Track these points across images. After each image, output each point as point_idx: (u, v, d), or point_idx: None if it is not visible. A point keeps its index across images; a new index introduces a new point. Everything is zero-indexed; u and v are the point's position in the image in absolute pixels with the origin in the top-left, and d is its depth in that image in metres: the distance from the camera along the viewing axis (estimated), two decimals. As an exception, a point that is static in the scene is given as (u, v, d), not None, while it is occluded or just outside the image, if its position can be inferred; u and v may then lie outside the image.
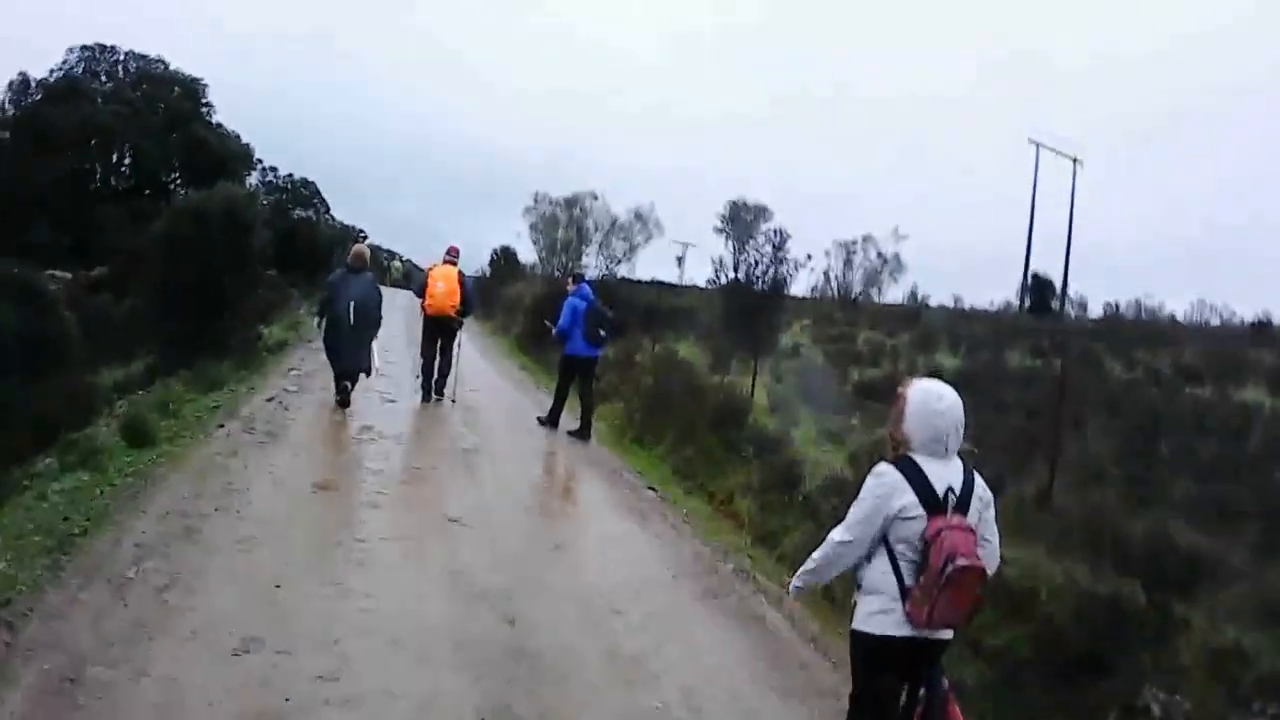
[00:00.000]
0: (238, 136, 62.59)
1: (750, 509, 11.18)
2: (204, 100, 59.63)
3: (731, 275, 28.31)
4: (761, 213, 32.18)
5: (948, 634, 4.52)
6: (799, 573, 4.90)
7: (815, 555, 4.72)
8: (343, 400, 13.96)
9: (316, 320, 15.10)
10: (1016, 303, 55.03)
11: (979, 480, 4.53)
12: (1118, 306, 54.06)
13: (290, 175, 74.32)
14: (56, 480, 9.10)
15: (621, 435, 16.02)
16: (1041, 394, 20.23)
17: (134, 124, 54.76)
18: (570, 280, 15.80)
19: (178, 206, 18.51)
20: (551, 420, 15.17)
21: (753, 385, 19.38)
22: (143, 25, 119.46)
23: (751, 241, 29.10)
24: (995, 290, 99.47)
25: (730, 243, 29.97)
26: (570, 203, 54.22)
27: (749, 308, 25.90)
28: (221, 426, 11.66)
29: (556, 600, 7.46)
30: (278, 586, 6.81)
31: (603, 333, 14.74)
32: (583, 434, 14.77)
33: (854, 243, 50.43)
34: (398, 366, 18.02)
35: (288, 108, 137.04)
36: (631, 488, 12.08)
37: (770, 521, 10.58)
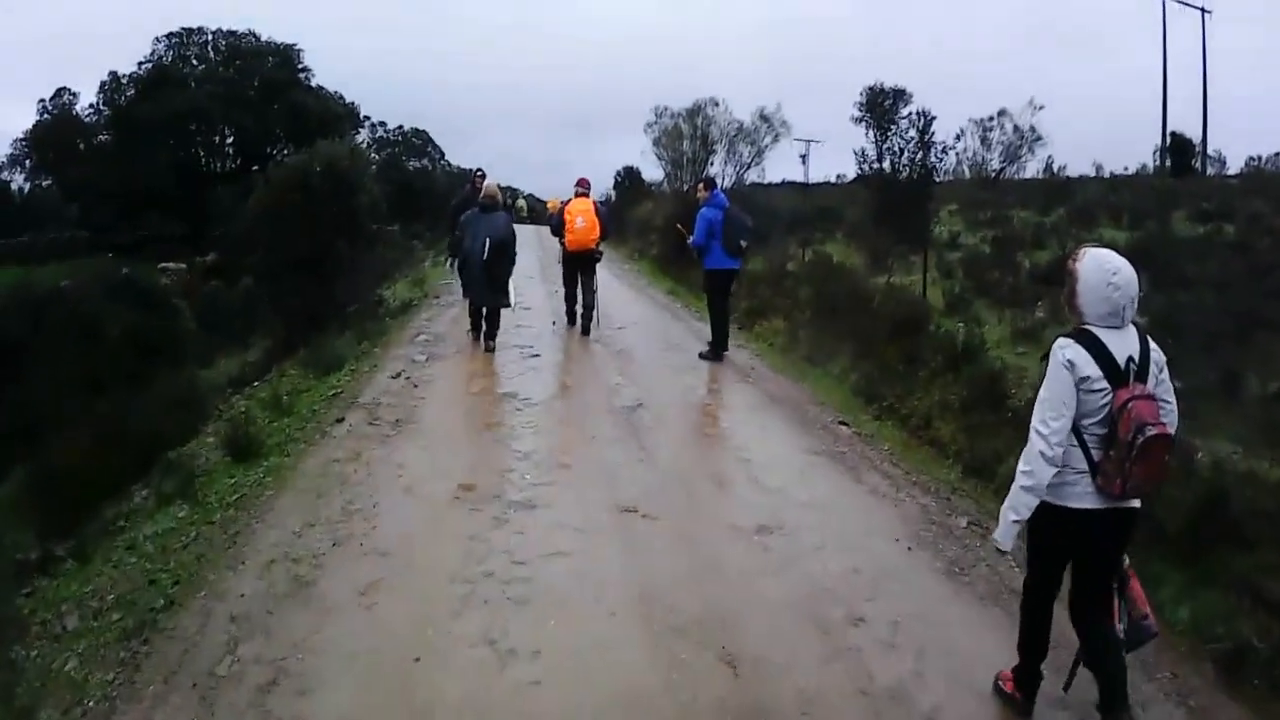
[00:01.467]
0: (341, 97, 62.54)
1: (954, 433, 9.89)
2: (300, 65, 58.90)
3: (876, 166, 26.57)
4: (901, 96, 29.83)
5: (1137, 503, 4.49)
6: (1011, 503, 4.57)
7: (1023, 466, 4.49)
8: (478, 337, 13.97)
9: (449, 261, 15.87)
10: (1154, 164, 51.37)
11: (1153, 345, 4.50)
12: (1260, 160, 51.26)
13: (400, 127, 74.08)
14: (151, 520, 7.96)
15: (788, 354, 14.68)
16: (1220, 264, 18.85)
17: (231, 102, 54.12)
18: (701, 187, 14.16)
19: (274, 175, 16.71)
20: (716, 351, 13.81)
21: (924, 284, 17.38)
22: (239, 5, 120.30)
23: (894, 128, 26.81)
24: (1131, 154, 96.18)
25: (871, 132, 27.66)
26: (692, 112, 51.77)
27: (900, 199, 23.97)
28: (341, 420, 9.89)
29: (778, 618, 5.86)
30: (416, 660, 5.15)
31: (743, 243, 13.53)
32: (715, 354, 13.74)
33: (990, 119, 47.48)
34: (535, 313, 16.73)
35: (393, 60, 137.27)
36: (824, 427, 10.45)
37: (978, 446, 9.26)
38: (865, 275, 20.39)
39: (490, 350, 13.61)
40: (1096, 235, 23.58)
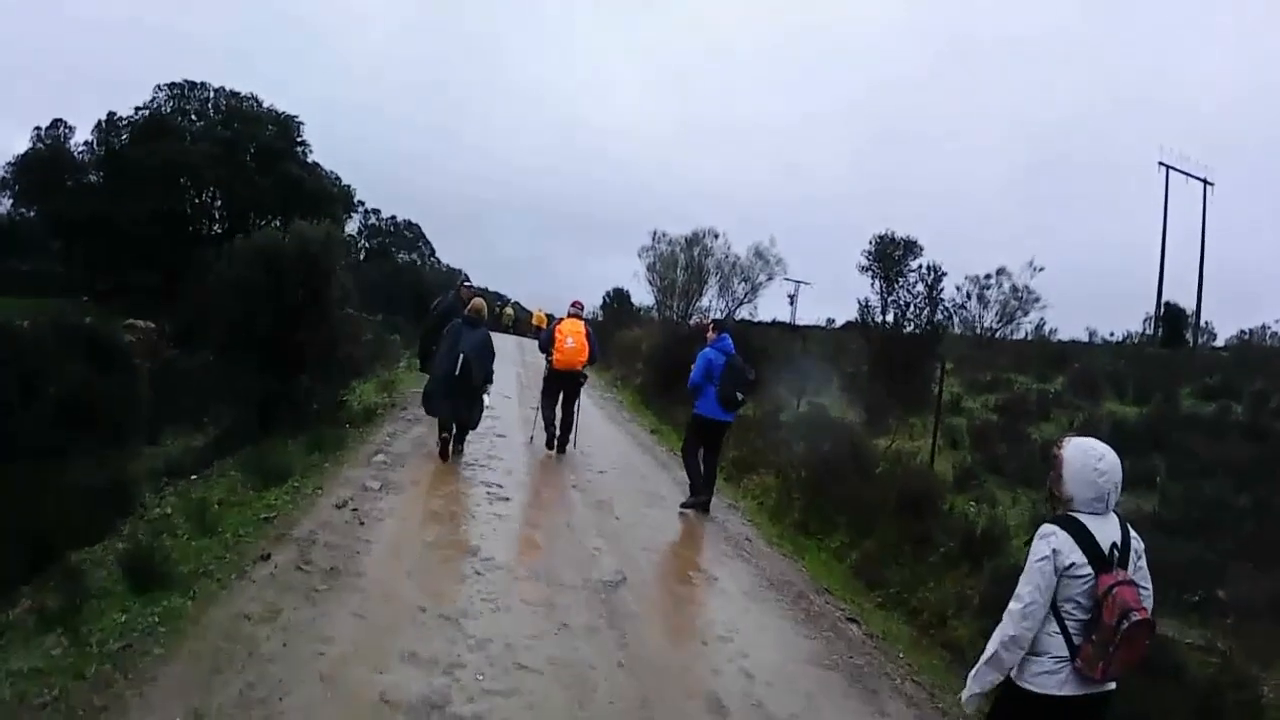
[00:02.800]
0: (337, 177, 62.19)
1: (974, 637, 8.37)
2: (299, 139, 58.13)
3: (880, 318, 25.54)
4: (911, 248, 28.90)
5: (1112, 686, 4.50)
6: (975, 675, 4.69)
7: (993, 646, 4.58)
8: (445, 452, 13.54)
9: (426, 368, 15.28)
10: (1141, 332, 53.26)
11: (1133, 531, 4.62)
12: (1251, 334, 53.89)
13: (393, 217, 74.21)
14: (25, 647, 6.44)
15: (781, 519, 13.65)
16: (1234, 447, 17.66)
17: (224, 163, 52.92)
18: (711, 327, 13.61)
19: (241, 247, 15.24)
20: (697, 499, 13.04)
21: (932, 453, 15.92)
22: (250, 72, 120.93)
23: (901, 280, 26.22)
24: (1119, 319, 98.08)
25: (876, 282, 26.64)
26: (691, 241, 51.74)
27: (902, 355, 22.80)
28: (266, 558, 8.24)
29: None
30: None
31: (739, 395, 12.92)
32: (700, 505, 12.96)
33: (988, 277, 46.85)
34: (509, 442, 15.92)
35: (394, 153, 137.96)
36: (832, 626, 9.11)
37: None
38: (864, 435, 18.98)
39: (459, 453, 13.76)
40: (1098, 409, 23.11)
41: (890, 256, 27.54)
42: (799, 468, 15.07)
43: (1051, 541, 4.44)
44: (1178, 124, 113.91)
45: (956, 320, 30.28)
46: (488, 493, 11.94)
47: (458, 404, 13.60)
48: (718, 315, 42.70)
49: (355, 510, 10.16)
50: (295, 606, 7.19)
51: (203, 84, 58.15)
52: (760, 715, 6.66)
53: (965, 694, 4.80)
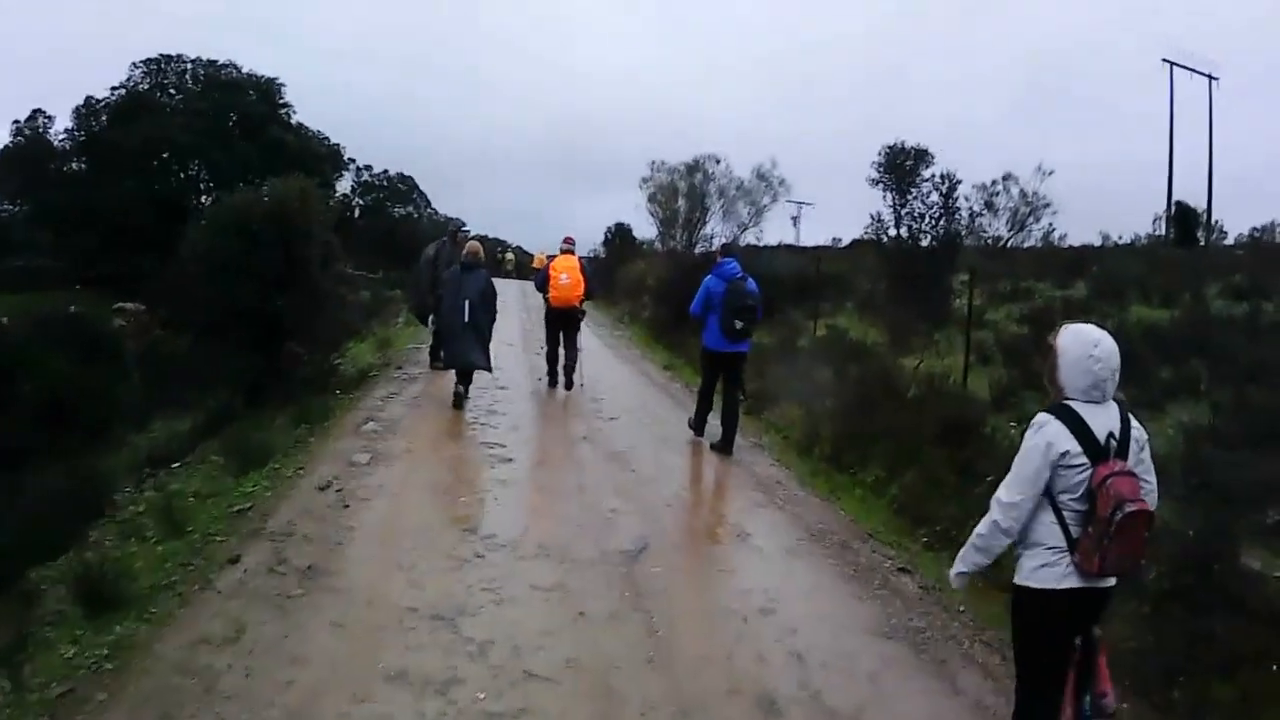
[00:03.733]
0: (325, 138, 61.27)
1: None
2: (281, 101, 56.96)
3: (893, 232, 24.45)
4: (923, 157, 27.59)
5: (1112, 581, 4.48)
6: (962, 555, 4.79)
7: (980, 528, 4.61)
8: (457, 403, 13.66)
9: (431, 320, 15.20)
10: (1151, 233, 52.48)
11: (1134, 421, 4.51)
12: (1262, 231, 52.73)
13: (385, 172, 72.63)
14: None
15: (809, 454, 12.52)
16: (1276, 349, 15.75)
17: (206, 134, 51.71)
18: (720, 252, 12.67)
19: (211, 215, 14.11)
20: (696, 427, 12.83)
21: (965, 372, 14.81)
22: (238, 41, 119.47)
23: (914, 191, 24.88)
24: (1127, 222, 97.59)
25: (888, 194, 25.47)
26: (691, 168, 50.44)
27: (920, 270, 21.65)
28: (235, 561, 7.22)
29: None
30: None
31: (738, 324, 11.87)
32: (724, 447, 12.14)
33: (995, 184, 45.30)
34: (512, 394, 15.25)
35: (382, 105, 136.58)
36: (882, 578, 7.99)
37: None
38: (889, 356, 17.95)
39: (459, 407, 13.54)
40: (1133, 314, 21.61)
41: (901, 167, 26.23)
42: (824, 396, 14.31)
43: (1045, 432, 4.37)
44: (1182, 23, 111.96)
45: (975, 229, 28.98)
46: (489, 454, 10.98)
47: (470, 350, 13.64)
48: (724, 241, 41.72)
49: (340, 491, 9.14)
50: (263, 621, 6.14)
51: (179, 56, 56.54)
52: (820, 712, 5.60)
53: (952, 572, 4.90)
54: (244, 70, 57.05)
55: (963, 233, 24.67)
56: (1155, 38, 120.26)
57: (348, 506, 8.68)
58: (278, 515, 8.35)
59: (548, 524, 8.63)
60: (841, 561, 8.31)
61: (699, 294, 12.13)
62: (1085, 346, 4.40)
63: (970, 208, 24.31)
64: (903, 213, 24.66)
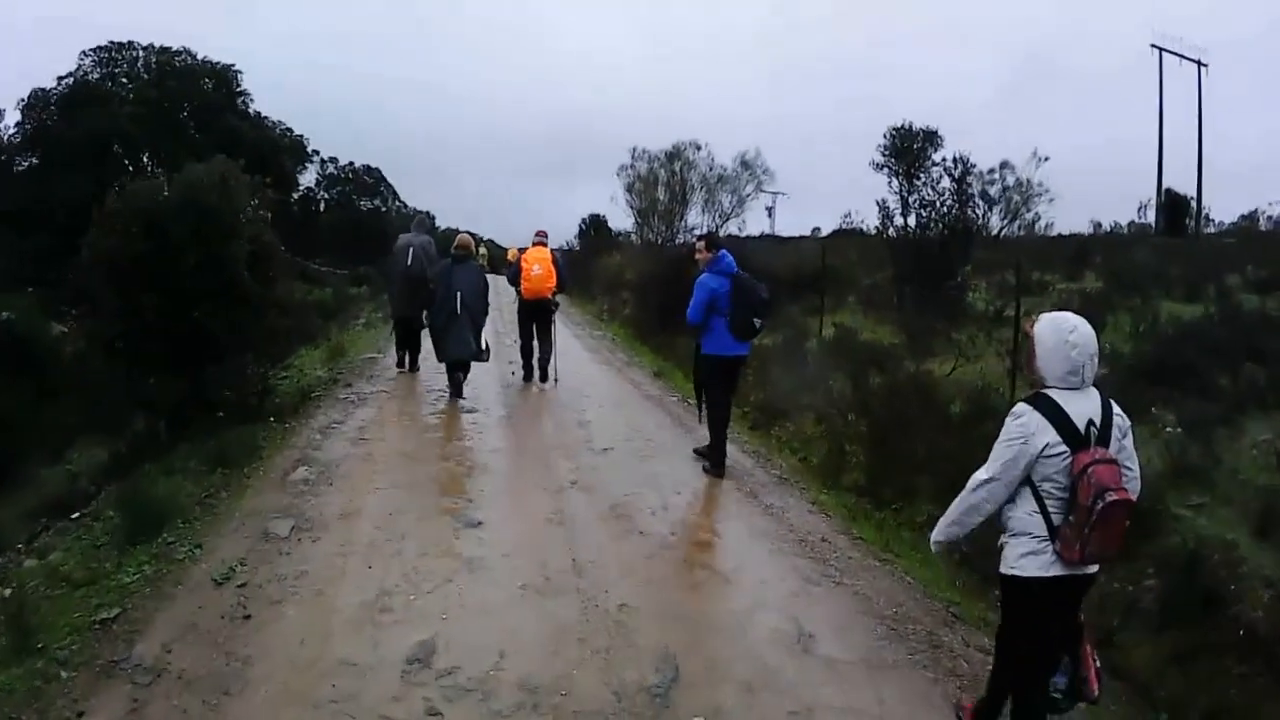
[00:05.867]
0: (288, 129, 59.55)
1: (1156, 663, 6.47)
2: (239, 88, 54.44)
3: (902, 221, 22.83)
4: (932, 139, 25.77)
5: (1095, 568, 4.52)
6: (940, 524, 4.86)
7: (956, 503, 4.69)
8: (456, 390, 13.88)
9: (424, 315, 14.52)
10: (1139, 220, 53.54)
11: (1116, 408, 4.53)
12: (1254, 217, 54.26)
13: (351, 164, 70.60)
14: None
15: (836, 482, 10.61)
16: None
17: (156, 124, 49.16)
18: (702, 246, 10.71)
19: (113, 210, 11.51)
20: (715, 460, 10.57)
21: (1012, 384, 12.66)
22: (200, 26, 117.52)
23: (924, 177, 23.54)
24: (1113, 210, 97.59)
25: (895, 180, 23.65)
26: (672, 155, 48.22)
27: (933, 262, 20.62)
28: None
29: None
30: None
31: (757, 322, 10.39)
32: (715, 463, 10.53)
33: (991, 171, 43.33)
34: (481, 430, 12.17)
35: (349, 95, 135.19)
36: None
37: (1203, 695, 5.89)
38: (910, 360, 15.81)
39: (459, 396, 13.71)
40: (1163, 309, 20.05)
41: (909, 150, 24.35)
42: (847, 411, 12.57)
43: (1024, 424, 4.38)
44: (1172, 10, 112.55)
45: (994, 216, 27.18)
46: (450, 518, 8.37)
47: (463, 342, 13.57)
48: (701, 232, 40.32)
49: (243, 588, 6.59)
50: None
51: (130, 44, 54.23)
52: None
53: (932, 537, 4.94)
54: (199, 57, 54.59)
55: (978, 221, 22.47)
56: (1144, 24, 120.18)
57: (250, 618, 6.12)
58: (151, 633, 5.87)
59: (533, 645, 5.98)
60: (937, 668, 6.12)
61: (698, 297, 10.25)
62: (1061, 333, 4.41)
63: (984, 193, 22.06)
64: (909, 200, 22.80)
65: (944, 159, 22.75)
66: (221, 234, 11.43)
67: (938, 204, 21.93)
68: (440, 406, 13.28)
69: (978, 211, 22.72)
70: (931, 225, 21.73)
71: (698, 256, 10.55)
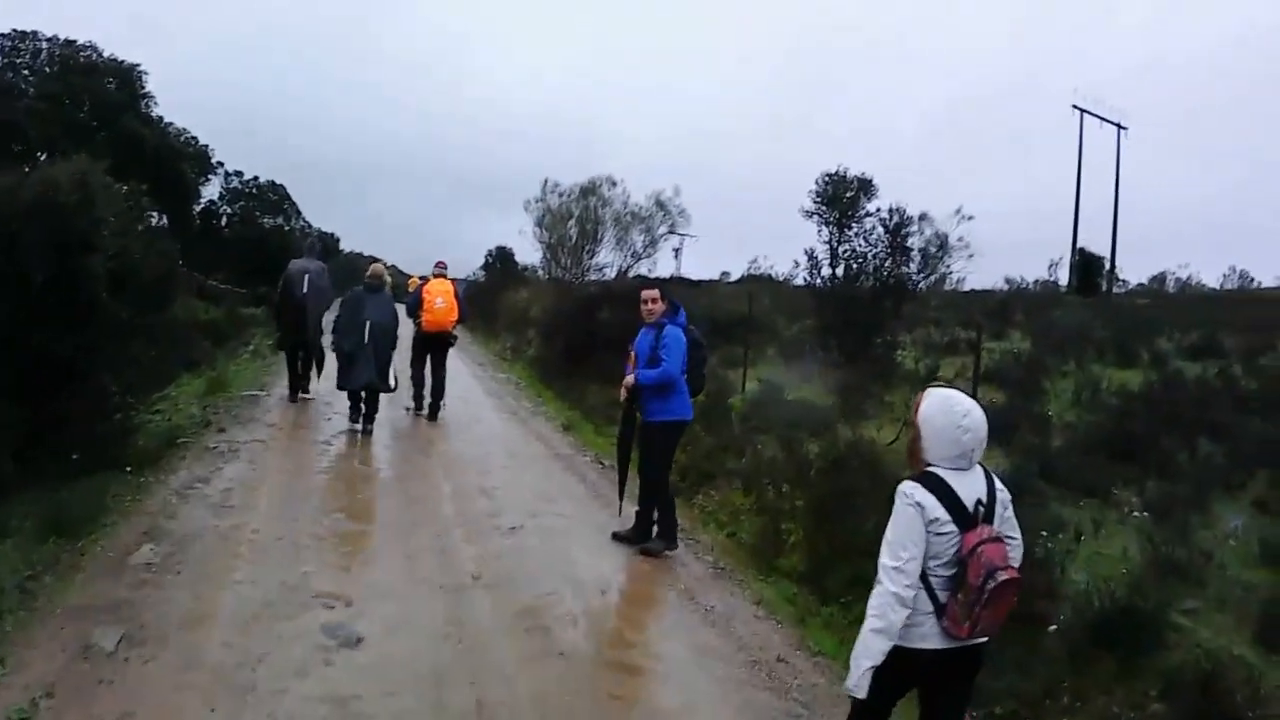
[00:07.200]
0: (193, 137, 57.43)
1: None
2: (143, 90, 52.29)
3: (829, 272, 22.48)
4: (866, 188, 25.01)
5: (984, 640, 4.32)
6: (860, 648, 4.18)
7: (873, 608, 4.17)
8: (357, 419, 13.85)
9: (328, 340, 14.68)
10: (1050, 278, 55.64)
11: (998, 482, 4.41)
12: (1164, 279, 59.49)
13: (255, 178, 68.77)
14: None
15: (773, 567, 9.43)
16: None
17: (52, 121, 47.00)
18: (656, 295, 9.49)
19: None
20: (669, 537, 9.52)
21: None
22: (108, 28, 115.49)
23: (857, 227, 23.04)
24: (1021, 267, 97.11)
25: (825, 229, 22.87)
26: (586, 190, 47.29)
27: (864, 315, 20.25)
28: None
29: None
30: None
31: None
32: (666, 539, 9.48)
33: (904, 225, 43.11)
34: (367, 503, 10.40)
35: (261, 116, 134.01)
36: None
37: None
38: (843, 422, 14.62)
39: (368, 433, 13.63)
40: (1106, 376, 19.54)
41: (840, 199, 23.48)
42: (780, 481, 11.30)
43: (917, 497, 4.12)
44: (1095, 75, 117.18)
45: (932, 271, 26.44)
46: (325, 634, 6.49)
47: (371, 373, 13.60)
48: (631, 270, 39.61)
49: None
50: None
51: (34, 33, 51.83)
52: None
53: (854, 678, 4.17)
54: (105, 54, 52.69)
55: (912, 275, 21.80)
56: (1067, 89, 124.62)
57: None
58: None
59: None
60: None
61: (675, 349, 9.17)
62: (954, 416, 4.20)
63: (925, 247, 21.42)
64: (840, 249, 22.43)
65: (878, 209, 21.89)
66: (79, 245, 9.73)
67: (870, 255, 21.28)
68: (323, 464, 11.70)
69: (911, 265, 21.80)
70: (861, 277, 21.00)
71: (650, 307, 9.36)
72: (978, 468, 4.31)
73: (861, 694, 4.25)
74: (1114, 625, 6.81)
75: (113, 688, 5.43)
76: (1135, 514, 10.97)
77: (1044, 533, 8.93)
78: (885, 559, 4.17)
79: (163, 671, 5.68)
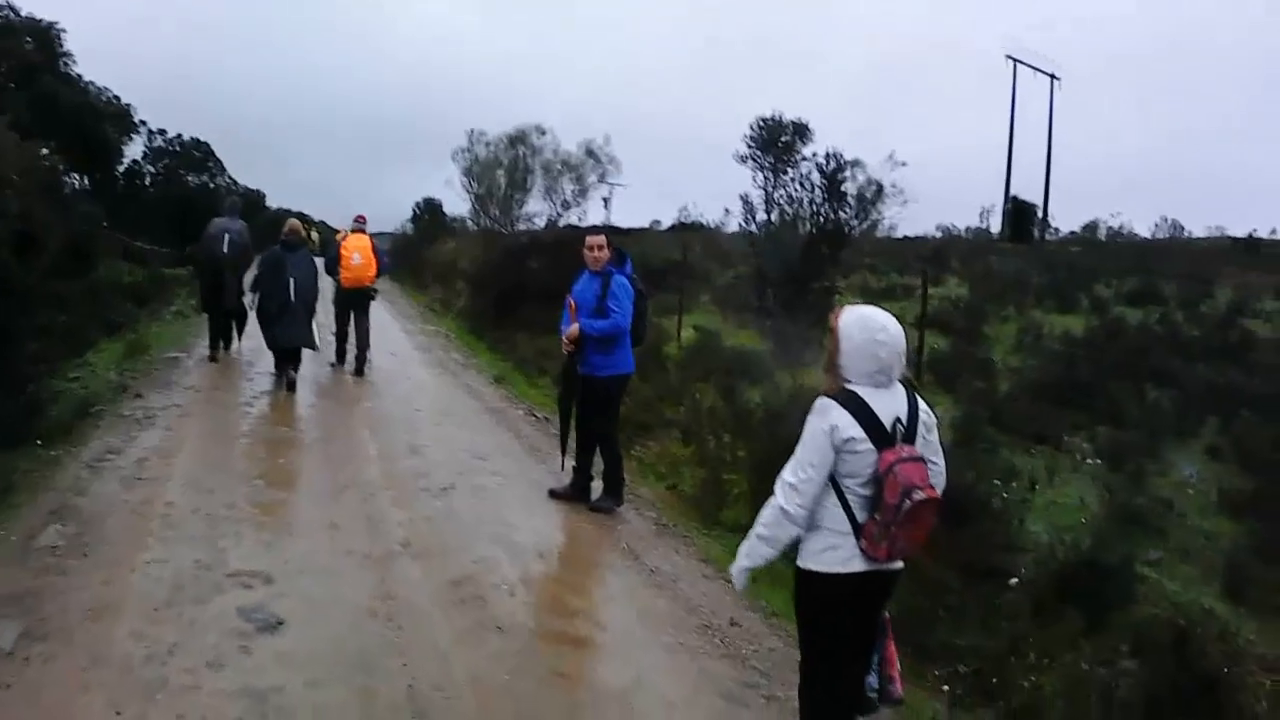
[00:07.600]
0: (115, 96, 55.84)
1: None
2: (61, 49, 50.74)
3: (765, 218, 22.61)
4: (803, 133, 24.79)
5: (900, 564, 4.36)
6: (746, 549, 4.42)
7: (764, 517, 4.33)
8: (285, 381, 13.59)
9: (250, 300, 14.33)
10: (982, 226, 57.55)
11: (922, 404, 4.40)
12: (1096, 227, 60.34)
13: (179, 136, 67.36)
14: None
15: (714, 518, 9.43)
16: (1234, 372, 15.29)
17: (-30, 80, 45.24)
18: (602, 241, 9.03)
19: None
20: (617, 494, 9.31)
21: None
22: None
23: (793, 172, 22.68)
24: (954, 214, 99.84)
25: (760, 174, 22.67)
26: (514, 139, 46.92)
27: (799, 263, 19.99)
28: None
29: None
30: None
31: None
32: (614, 496, 9.26)
33: (840, 169, 43.04)
34: (292, 466, 9.95)
35: (184, 72, 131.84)
36: None
37: None
38: (781, 370, 14.52)
39: (292, 389, 13.45)
40: (1046, 321, 20.61)
41: (776, 143, 23.23)
42: (720, 430, 11.27)
43: (829, 416, 4.11)
44: (1029, 23, 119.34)
45: (866, 217, 26.35)
46: (241, 617, 5.94)
47: (297, 331, 13.60)
48: (561, 220, 39.48)
49: None
50: None
51: (-53, -7, 49.76)
52: None
53: (734, 568, 4.51)
54: (22, 14, 50.71)
55: (851, 222, 21.60)
56: (1002, 38, 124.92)
57: None
58: None
59: None
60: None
61: (625, 300, 8.86)
62: (871, 331, 4.15)
63: (860, 192, 21.28)
64: (775, 195, 22.24)
65: (814, 154, 21.56)
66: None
67: (806, 201, 20.98)
68: (244, 427, 11.17)
69: (849, 210, 21.57)
70: (799, 222, 20.66)
71: (596, 254, 8.95)
72: (899, 386, 4.29)
73: (739, 585, 4.56)
74: (1078, 578, 6.69)
75: (10, 693, 4.86)
76: (1088, 461, 10.94)
77: (997, 481, 8.84)
78: (785, 473, 4.22)
79: (65, 671, 5.12)
